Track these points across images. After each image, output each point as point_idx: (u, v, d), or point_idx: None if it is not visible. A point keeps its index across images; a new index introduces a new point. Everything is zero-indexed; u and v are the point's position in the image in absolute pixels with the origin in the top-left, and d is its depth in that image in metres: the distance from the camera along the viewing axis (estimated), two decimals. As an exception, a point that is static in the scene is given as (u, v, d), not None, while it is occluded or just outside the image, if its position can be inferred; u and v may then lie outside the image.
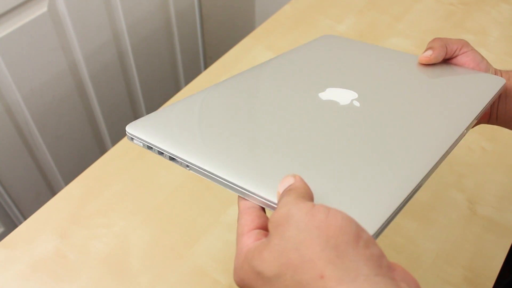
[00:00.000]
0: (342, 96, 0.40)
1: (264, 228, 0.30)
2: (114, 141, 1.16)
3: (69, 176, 1.06)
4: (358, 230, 0.26)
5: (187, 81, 1.30)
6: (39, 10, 0.84)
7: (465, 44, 0.45)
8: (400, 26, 0.91)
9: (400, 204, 0.30)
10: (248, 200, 0.32)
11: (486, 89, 0.40)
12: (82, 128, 1.08)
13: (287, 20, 0.93)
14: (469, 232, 0.60)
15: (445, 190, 0.64)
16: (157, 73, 1.21)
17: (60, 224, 0.61)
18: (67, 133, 1.04)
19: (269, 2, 1.22)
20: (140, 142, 0.36)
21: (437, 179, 0.65)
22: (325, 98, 0.40)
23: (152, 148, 0.36)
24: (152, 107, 1.23)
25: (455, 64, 0.46)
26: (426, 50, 0.45)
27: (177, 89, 1.31)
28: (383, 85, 0.43)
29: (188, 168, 0.34)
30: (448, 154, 0.35)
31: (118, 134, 1.17)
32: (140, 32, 1.08)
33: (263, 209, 0.32)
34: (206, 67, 1.39)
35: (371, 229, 0.28)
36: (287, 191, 0.30)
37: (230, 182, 0.32)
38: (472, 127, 0.46)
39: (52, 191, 1.10)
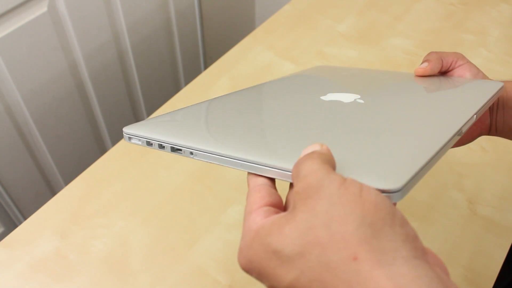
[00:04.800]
0: (345, 97, 0.39)
1: (275, 206, 0.28)
2: (114, 141, 1.16)
3: (69, 176, 1.06)
4: (392, 208, 0.24)
5: (187, 81, 1.30)
6: (39, 10, 0.84)
7: (460, 57, 0.45)
8: (400, 26, 0.91)
9: (424, 164, 0.28)
10: (258, 177, 0.30)
11: (486, 90, 0.40)
12: (82, 128, 1.08)
13: (287, 20, 0.93)
14: (469, 232, 0.60)
15: (445, 190, 0.64)
16: (157, 73, 1.21)
17: (60, 224, 0.61)
18: (67, 133, 1.04)
19: (269, 2, 1.22)
20: (139, 139, 0.35)
21: (437, 179, 0.65)
22: (328, 99, 0.39)
23: (152, 143, 0.34)
24: (152, 107, 1.23)
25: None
26: (422, 63, 0.46)
27: (177, 89, 1.31)
28: (383, 90, 0.43)
29: (192, 156, 0.33)
30: (460, 135, 0.33)
31: (118, 134, 1.17)
32: (140, 32, 1.08)
33: (275, 186, 0.30)
34: (206, 67, 1.39)
35: (399, 182, 0.25)
36: (310, 154, 0.27)
37: (239, 158, 0.30)
38: (473, 139, 0.46)
39: (52, 191, 1.10)
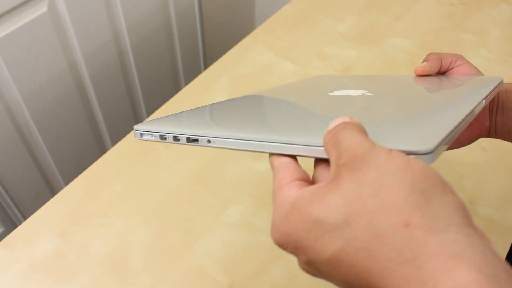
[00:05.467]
0: (353, 92, 0.39)
1: (305, 181, 0.27)
2: (114, 141, 1.16)
3: (69, 176, 1.06)
4: (441, 177, 0.23)
5: (187, 81, 1.30)
6: (39, 10, 0.84)
7: (460, 57, 0.46)
8: (400, 26, 0.91)
9: (452, 130, 0.27)
10: (282, 156, 0.29)
11: (488, 82, 0.40)
12: (82, 128, 1.08)
13: (287, 20, 0.93)
14: (469, 232, 0.59)
15: (445, 190, 0.64)
16: (157, 73, 1.21)
17: (60, 224, 0.61)
18: (67, 133, 1.04)
19: (269, 2, 1.22)
20: (151, 134, 0.34)
21: (437, 179, 0.65)
22: (336, 94, 0.39)
23: (166, 137, 0.34)
24: (152, 107, 1.23)
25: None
26: (421, 63, 0.46)
27: (177, 89, 1.31)
28: (389, 87, 0.43)
29: (210, 144, 0.32)
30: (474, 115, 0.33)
31: (118, 134, 1.17)
32: (140, 32, 1.08)
33: (299, 165, 0.29)
34: (206, 67, 1.39)
35: (430, 144, 0.25)
36: (346, 124, 0.26)
37: (262, 139, 0.29)
38: (472, 141, 0.46)
39: (52, 191, 1.10)
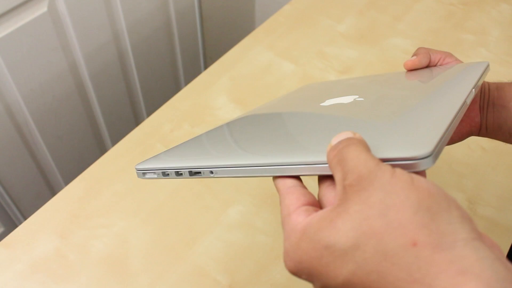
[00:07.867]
0: (344, 99, 0.39)
1: (312, 204, 0.27)
2: (114, 141, 1.16)
3: (69, 176, 1.06)
4: (445, 193, 0.23)
5: (187, 81, 1.30)
6: (39, 10, 0.84)
7: (448, 54, 0.45)
8: (400, 26, 0.91)
9: (446, 128, 0.27)
10: (286, 179, 0.29)
11: (475, 69, 0.41)
12: (82, 128, 1.08)
13: (287, 20, 0.93)
14: (469, 232, 0.59)
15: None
16: (157, 73, 1.21)
17: (60, 224, 0.61)
18: (67, 133, 1.04)
19: (269, 2, 1.22)
20: (154, 172, 0.35)
21: (437, 179, 0.65)
22: (328, 104, 0.39)
23: (168, 173, 0.34)
24: (152, 107, 1.23)
25: None
26: (411, 57, 0.46)
27: (177, 89, 1.31)
28: (379, 87, 0.43)
29: (212, 175, 0.32)
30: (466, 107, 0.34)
31: (118, 134, 1.17)
32: (140, 32, 1.08)
33: (304, 186, 0.29)
34: (206, 67, 1.39)
35: (429, 147, 0.25)
36: (350, 140, 0.26)
37: (263, 164, 0.29)
38: (463, 138, 0.46)
39: (52, 191, 1.10)
